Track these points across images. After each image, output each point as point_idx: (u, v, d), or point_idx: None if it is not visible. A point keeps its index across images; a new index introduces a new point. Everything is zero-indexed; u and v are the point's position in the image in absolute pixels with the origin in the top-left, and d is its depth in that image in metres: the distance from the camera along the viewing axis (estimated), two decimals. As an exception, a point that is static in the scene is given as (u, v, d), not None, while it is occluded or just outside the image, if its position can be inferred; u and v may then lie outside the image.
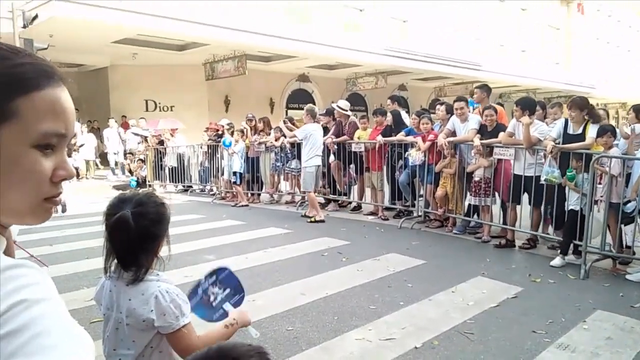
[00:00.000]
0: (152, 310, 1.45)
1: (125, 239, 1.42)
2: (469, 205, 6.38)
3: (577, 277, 4.60)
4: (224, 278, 1.73)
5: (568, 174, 4.94)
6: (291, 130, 8.31)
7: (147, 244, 1.46)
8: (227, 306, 1.70)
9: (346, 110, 8.22)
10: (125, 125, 14.47)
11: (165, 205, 1.53)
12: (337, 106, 8.26)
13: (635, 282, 4.43)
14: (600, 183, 4.82)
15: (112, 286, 1.52)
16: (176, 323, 1.47)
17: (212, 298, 1.69)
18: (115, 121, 14.03)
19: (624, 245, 4.96)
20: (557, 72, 25.74)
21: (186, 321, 1.51)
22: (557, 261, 4.97)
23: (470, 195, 6.20)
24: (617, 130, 5.50)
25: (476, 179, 6.09)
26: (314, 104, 19.67)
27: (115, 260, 1.49)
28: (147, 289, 1.47)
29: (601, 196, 4.78)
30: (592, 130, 5.06)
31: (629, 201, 4.78)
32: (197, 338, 1.54)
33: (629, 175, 4.89)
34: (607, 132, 4.85)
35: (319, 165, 7.77)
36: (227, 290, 1.72)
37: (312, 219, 7.38)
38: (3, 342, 0.52)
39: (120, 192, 1.54)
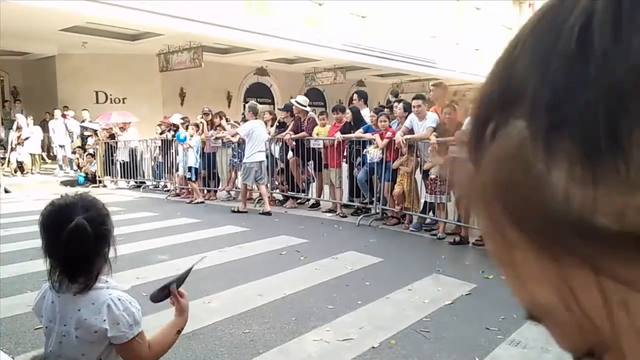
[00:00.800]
0: (104, 320, 1.37)
1: (83, 247, 1.34)
2: (425, 202, 6.49)
3: (527, 273, 4.75)
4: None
5: None
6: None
7: (101, 249, 1.40)
8: (173, 285, 1.59)
9: (305, 106, 8.17)
10: (64, 117, 13.80)
11: (106, 206, 1.48)
12: (296, 102, 8.20)
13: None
14: None
15: (54, 297, 1.42)
16: (130, 332, 1.41)
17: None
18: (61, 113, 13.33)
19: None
20: (509, 71, 26.59)
21: (139, 329, 1.45)
22: None
23: (427, 192, 6.30)
24: None
25: (432, 176, 6.19)
26: (273, 98, 19.62)
27: (58, 271, 1.39)
28: (98, 298, 1.39)
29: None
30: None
31: None
32: (149, 348, 1.48)
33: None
34: None
35: (262, 161, 8.01)
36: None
37: (236, 209, 7.89)
38: None
39: (54, 198, 1.43)
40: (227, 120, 9.37)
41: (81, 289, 1.38)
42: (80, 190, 1.62)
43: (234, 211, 7.92)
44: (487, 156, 0.24)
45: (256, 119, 8.18)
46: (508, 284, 0.27)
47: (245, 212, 7.88)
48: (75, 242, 1.33)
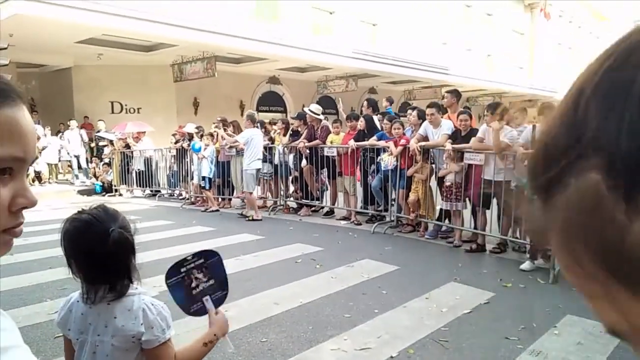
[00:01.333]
0: (141, 324, 1.39)
1: (125, 256, 1.38)
2: (441, 209, 6.45)
3: (546, 282, 4.69)
4: (212, 265, 1.54)
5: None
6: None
7: (133, 256, 1.42)
8: (208, 302, 1.54)
9: (318, 115, 8.20)
10: (87, 127, 14.00)
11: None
12: (309, 110, 8.23)
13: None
14: None
15: (84, 309, 1.43)
16: (162, 336, 1.43)
17: (194, 283, 1.52)
18: (77, 123, 13.51)
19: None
20: (521, 76, 26.47)
21: (172, 333, 1.46)
22: (526, 265, 5.07)
23: (442, 200, 6.26)
24: None
25: (447, 183, 6.15)
26: (285, 106, 19.72)
27: (92, 283, 1.40)
28: (133, 304, 1.41)
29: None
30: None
31: None
32: (175, 357, 1.48)
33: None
34: None
35: (259, 169, 8.21)
36: (211, 282, 1.54)
37: (250, 218, 7.95)
38: None
39: (74, 215, 1.43)
40: (225, 129, 9.41)
41: (116, 297, 1.40)
42: (97, 200, 1.64)
43: (248, 219, 7.96)
44: (561, 200, 0.27)
45: (254, 127, 8.34)
46: (589, 307, 0.31)
47: (260, 219, 7.94)
48: (119, 251, 1.36)
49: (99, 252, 1.34)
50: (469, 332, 3.55)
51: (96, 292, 1.41)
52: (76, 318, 1.45)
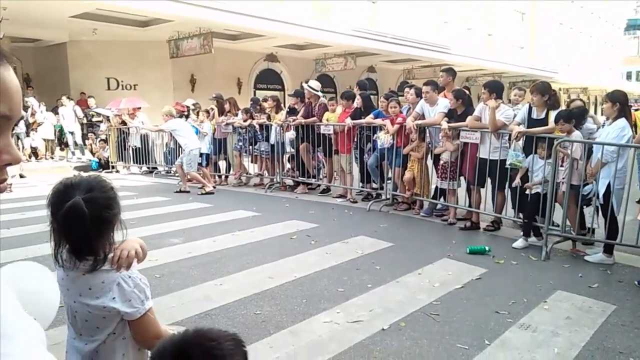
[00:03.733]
0: (114, 298, 1.40)
1: (79, 227, 1.34)
2: (436, 188, 6.48)
3: (538, 259, 4.75)
4: None
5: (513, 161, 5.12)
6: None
7: (101, 231, 1.40)
8: None
9: (317, 91, 8.13)
10: (82, 103, 13.84)
11: (115, 188, 1.46)
12: (308, 86, 8.15)
13: (594, 263, 4.61)
14: (562, 166, 4.95)
15: (64, 275, 1.45)
16: (142, 307, 1.45)
17: None
18: (70, 98, 13.30)
19: (586, 227, 5.14)
20: (522, 56, 26.26)
21: (151, 304, 1.49)
22: (519, 243, 5.12)
23: (438, 178, 6.28)
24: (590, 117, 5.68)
25: (443, 162, 6.17)
26: (283, 84, 19.57)
27: (66, 249, 1.42)
28: (108, 277, 1.42)
29: (563, 178, 4.91)
30: (553, 115, 5.18)
31: (587, 184, 4.95)
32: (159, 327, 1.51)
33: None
34: (560, 119, 4.94)
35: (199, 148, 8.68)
36: None
37: (203, 192, 8.36)
38: None
39: (65, 177, 1.44)
40: (237, 108, 9.34)
41: (90, 270, 1.40)
42: (89, 173, 1.62)
43: (201, 193, 8.33)
44: None
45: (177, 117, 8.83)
46: None
47: (212, 192, 8.46)
48: (70, 221, 1.33)
49: (59, 220, 1.35)
50: (460, 306, 3.60)
51: (68, 258, 1.42)
52: (59, 280, 1.48)
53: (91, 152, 12.94)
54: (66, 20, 12.46)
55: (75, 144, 13.05)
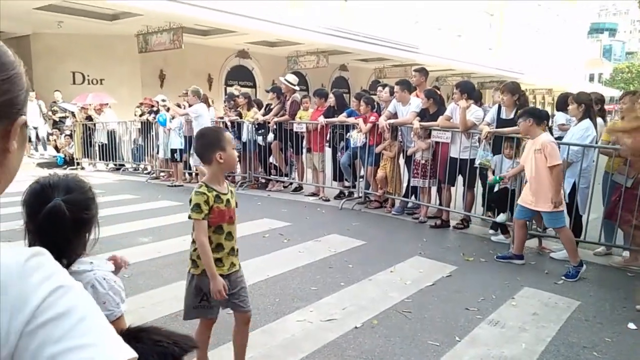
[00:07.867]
0: None
1: (59, 230, 1.30)
2: (407, 186, 6.54)
3: (506, 256, 4.85)
4: None
5: (494, 179, 5.21)
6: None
7: (80, 232, 1.37)
8: None
9: (294, 85, 8.07)
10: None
11: (93, 188, 1.44)
12: (285, 80, 8.08)
13: (559, 260, 4.74)
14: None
15: None
16: (118, 310, 1.43)
17: None
18: (32, 89, 12.86)
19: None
20: (490, 57, 26.78)
21: (125, 308, 1.46)
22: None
23: (412, 177, 6.33)
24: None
25: (423, 161, 6.20)
26: (255, 81, 19.40)
27: None
28: (82, 278, 1.38)
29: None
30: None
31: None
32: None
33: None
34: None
35: None
36: None
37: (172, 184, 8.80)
38: (50, 326, 0.53)
39: (40, 176, 1.40)
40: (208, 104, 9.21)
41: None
42: (64, 172, 1.58)
43: (170, 185, 8.79)
44: None
45: (200, 102, 8.31)
46: None
47: (182, 185, 8.88)
48: (50, 224, 1.29)
49: (37, 222, 1.30)
50: (431, 303, 3.65)
51: None
52: None
53: (55, 148, 12.53)
54: (30, 12, 12.00)
55: (38, 138, 12.62)
